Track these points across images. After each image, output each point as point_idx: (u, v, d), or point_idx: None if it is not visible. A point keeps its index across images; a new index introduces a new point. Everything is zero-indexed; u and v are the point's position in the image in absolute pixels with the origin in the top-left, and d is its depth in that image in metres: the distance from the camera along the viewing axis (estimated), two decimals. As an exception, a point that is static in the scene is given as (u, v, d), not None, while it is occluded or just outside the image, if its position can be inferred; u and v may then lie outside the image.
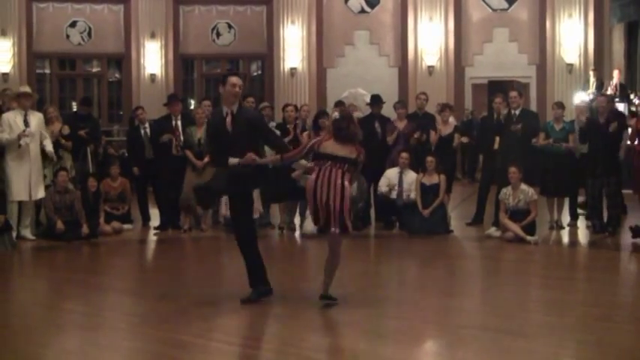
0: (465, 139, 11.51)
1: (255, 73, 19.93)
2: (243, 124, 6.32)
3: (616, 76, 16.17)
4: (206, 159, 10.20)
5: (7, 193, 9.56)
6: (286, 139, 9.80)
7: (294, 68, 18.56)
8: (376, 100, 10.83)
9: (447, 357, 5.25)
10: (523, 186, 9.54)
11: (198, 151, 10.27)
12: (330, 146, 6.11)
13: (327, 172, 6.06)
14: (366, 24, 19.13)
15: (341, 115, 6.23)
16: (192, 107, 17.87)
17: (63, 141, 10.58)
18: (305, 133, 10.24)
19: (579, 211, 10.70)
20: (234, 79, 6.33)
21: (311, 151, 6.20)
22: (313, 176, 6.08)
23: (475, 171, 15.90)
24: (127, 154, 12.24)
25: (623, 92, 15.93)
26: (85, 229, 9.81)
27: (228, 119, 6.29)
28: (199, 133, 10.32)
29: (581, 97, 16.80)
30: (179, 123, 10.62)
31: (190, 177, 10.28)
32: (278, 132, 9.91)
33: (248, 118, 6.44)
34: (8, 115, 9.73)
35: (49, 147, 9.87)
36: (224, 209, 10.05)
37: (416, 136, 10.63)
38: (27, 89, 10.22)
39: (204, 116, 10.50)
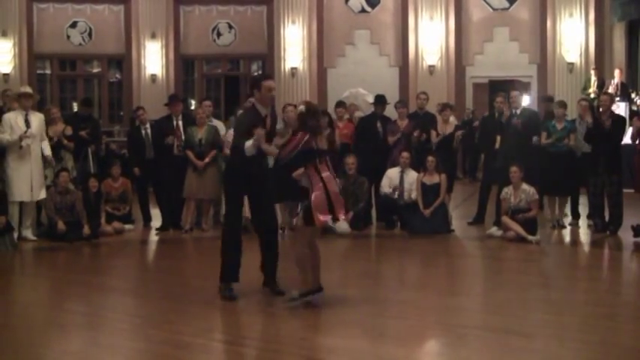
0: (460, 133, 11.13)
1: (255, 73, 19.90)
2: (274, 125, 6.63)
3: (617, 75, 16.13)
4: (207, 159, 10.23)
5: (8, 193, 9.56)
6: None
7: (295, 68, 18.55)
8: (380, 100, 10.84)
9: (448, 356, 5.24)
10: (524, 185, 9.53)
11: (199, 152, 10.27)
12: (322, 142, 6.20)
13: (329, 167, 6.20)
14: (367, 24, 19.12)
15: (306, 107, 6.27)
16: (192, 107, 17.86)
17: (65, 142, 10.58)
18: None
19: (565, 217, 10.66)
20: (271, 84, 6.53)
21: (308, 149, 6.14)
22: (328, 173, 6.13)
23: (476, 170, 15.88)
24: (127, 155, 12.24)
25: (625, 91, 15.89)
26: (86, 230, 9.81)
27: (268, 120, 6.48)
28: (200, 134, 10.32)
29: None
30: (180, 123, 10.63)
31: (191, 177, 10.28)
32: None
33: (275, 120, 6.83)
34: (9, 116, 9.74)
35: (47, 151, 9.84)
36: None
37: (415, 134, 10.64)
38: (28, 90, 10.20)
39: (204, 116, 10.52)
